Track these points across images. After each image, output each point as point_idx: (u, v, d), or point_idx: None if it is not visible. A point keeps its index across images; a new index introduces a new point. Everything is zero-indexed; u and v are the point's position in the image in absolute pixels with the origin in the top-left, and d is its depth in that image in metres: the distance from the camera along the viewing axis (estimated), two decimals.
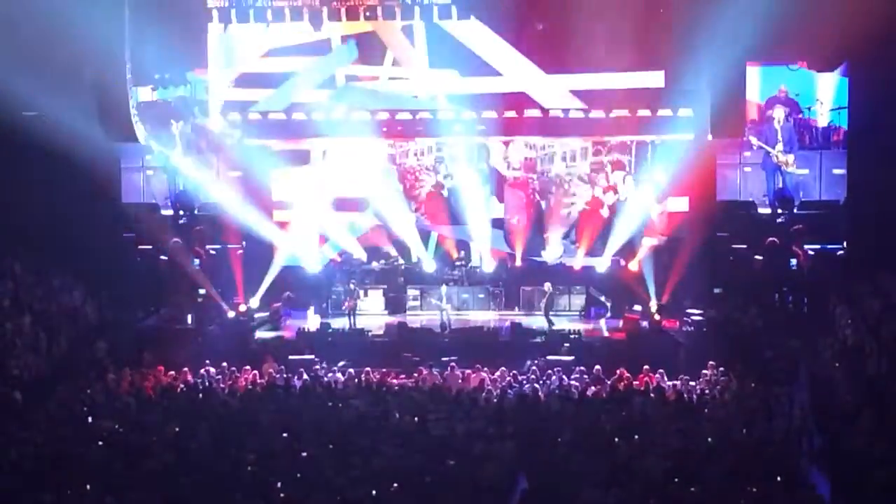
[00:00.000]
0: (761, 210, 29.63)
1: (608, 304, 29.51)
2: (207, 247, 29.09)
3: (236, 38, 29.97)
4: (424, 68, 29.94)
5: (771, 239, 27.75)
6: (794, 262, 27.60)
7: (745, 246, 28.48)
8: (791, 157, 29.29)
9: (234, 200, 29.47)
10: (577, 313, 29.43)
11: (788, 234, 27.89)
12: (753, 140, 29.37)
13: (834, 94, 29.84)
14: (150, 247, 28.80)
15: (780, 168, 29.39)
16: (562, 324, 27.90)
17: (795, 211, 28.93)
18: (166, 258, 28.29)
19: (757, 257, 27.89)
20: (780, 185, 29.48)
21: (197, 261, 28.46)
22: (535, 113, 29.57)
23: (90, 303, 26.62)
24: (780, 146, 29.26)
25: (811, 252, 27.69)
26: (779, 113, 29.49)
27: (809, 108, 30.14)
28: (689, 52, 27.10)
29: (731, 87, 27.58)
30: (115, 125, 27.80)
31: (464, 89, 29.82)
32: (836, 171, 29.14)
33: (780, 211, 29.20)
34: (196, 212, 30.23)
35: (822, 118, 30.12)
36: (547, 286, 28.79)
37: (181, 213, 30.16)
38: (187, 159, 29.86)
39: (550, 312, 28.52)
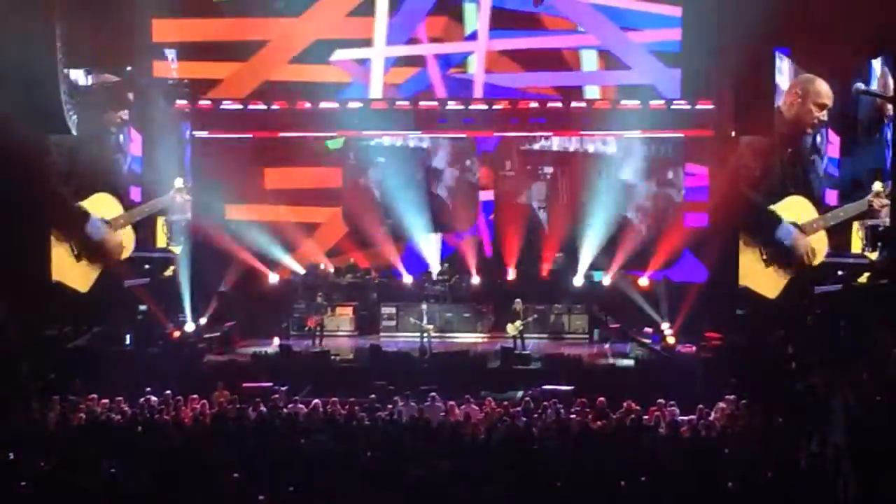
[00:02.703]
0: None
1: (613, 326, 29.66)
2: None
3: None
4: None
5: None
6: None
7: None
8: None
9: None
10: (549, 335, 29.91)
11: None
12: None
13: None
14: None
15: None
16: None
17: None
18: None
19: None
20: None
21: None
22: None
23: (13, 319, 26.52)
24: None
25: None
26: None
27: None
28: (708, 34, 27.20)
29: (757, 74, 27.31)
30: (43, 113, 27.40)
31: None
32: None
33: None
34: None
35: None
36: (517, 304, 28.86)
37: None
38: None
39: (526, 334, 28.74)
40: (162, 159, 29.42)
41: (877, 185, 26.65)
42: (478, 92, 29.87)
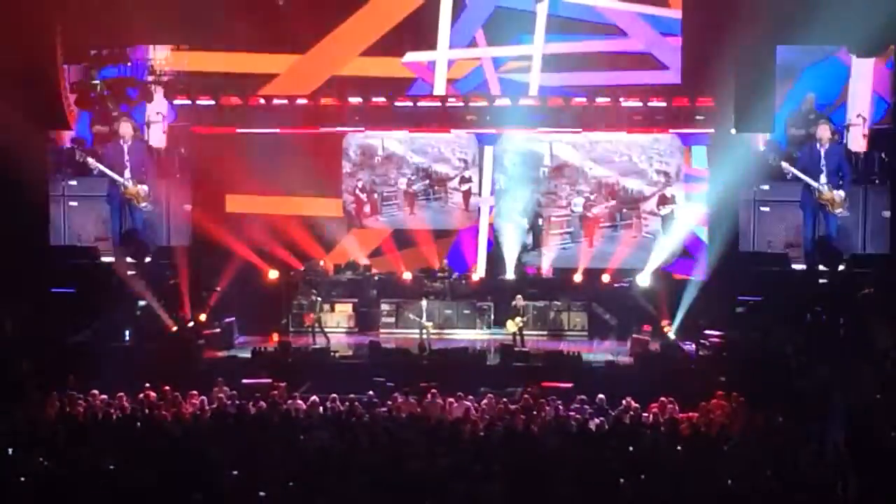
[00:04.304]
0: (796, 266, 27.93)
1: (613, 323, 29.66)
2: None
3: None
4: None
5: None
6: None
7: None
8: (841, 194, 27.13)
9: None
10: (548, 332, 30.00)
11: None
12: (787, 167, 27.18)
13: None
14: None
15: (823, 209, 27.39)
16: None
17: (841, 269, 27.11)
18: None
19: None
20: (823, 233, 27.48)
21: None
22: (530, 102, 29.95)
23: (10, 315, 26.50)
24: (824, 178, 27.15)
25: None
26: (825, 132, 27.29)
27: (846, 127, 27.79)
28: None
29: (758, 71, 26.87)
30: (41, 108, 27.11)
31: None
32: (886, 214, 27.55)
33: (822, 268, 27.22)
34: (148, 258, 29.39)
35: (858, 141, 27.78)
36: (518, 300, 28.87)
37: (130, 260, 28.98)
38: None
39: (525, 331, 28.71)
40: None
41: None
42: (533, 91, 30.14)
